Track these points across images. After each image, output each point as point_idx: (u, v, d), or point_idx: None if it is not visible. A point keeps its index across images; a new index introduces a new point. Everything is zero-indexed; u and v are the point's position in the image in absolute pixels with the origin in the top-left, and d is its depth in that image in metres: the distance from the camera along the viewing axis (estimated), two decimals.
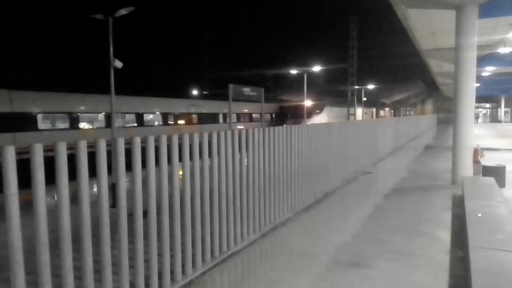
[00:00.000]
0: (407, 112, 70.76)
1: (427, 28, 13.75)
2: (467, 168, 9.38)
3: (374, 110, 52.31)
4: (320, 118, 30.42)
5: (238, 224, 5.07)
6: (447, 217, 6.51)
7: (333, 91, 43.52)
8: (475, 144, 9.85)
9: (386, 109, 63.08)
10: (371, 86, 43.65)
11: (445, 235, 5.57)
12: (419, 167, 12.63)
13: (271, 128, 5.93)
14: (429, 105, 69.02)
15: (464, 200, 6.54)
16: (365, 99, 44.81)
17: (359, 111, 44.34)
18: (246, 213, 5.23)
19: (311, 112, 30.44)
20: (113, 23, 9.42)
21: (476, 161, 9.52)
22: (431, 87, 55.95)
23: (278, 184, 6.07)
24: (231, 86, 16.70)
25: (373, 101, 52.92)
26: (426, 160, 14.57)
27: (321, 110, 32.22)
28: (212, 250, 4.57)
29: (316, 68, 30.00)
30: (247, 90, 18.53)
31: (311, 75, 31.94)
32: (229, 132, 4.92)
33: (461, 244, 5.07)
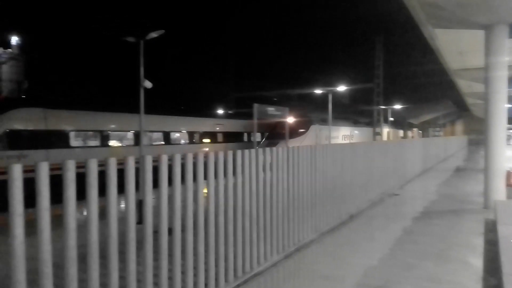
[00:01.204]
0: (436, 133, 69.05)
1: (455, 48, 13.53)
2: (500, 191, 9.00)
3: (401, 130, 50.74)
4: (304, 140, 23.78)
5: (262, 244, 5.03)
6: (479, 243, 6.23)
7: (358, 111, 41.71)
8: (508, 166, 9.46)
9: (414, 129, 61.75)
10: (398, 106, 42.96)
11: (477, 262, 5.33)
12: (449, 190, 12.22)
13: (296, 147, 5.93)
14: (459, 126, 67.15)
15: (497, 225, 6.26)
16: (392, 119, 43.64)
17: (385, 131, 41.91)
18: (270, 233, 5.19)
19: (290, 132, 21.64)
20: (144, 45, 9.81)
21: (509, 185, 9.13)
22: (461, 108, 54.47)
23: (302, 204, 6.01)
24: (256, 105, 16.91)
25: (400, 121, 51.87)
26: (456, 183, 14.08)
27: (305, 129, 25.17)
28: (235, 270, 4.55)
29: (341, 88, 29.58)
30: (271, 109, 18.71)
31: (336, 95, 30.81)
32: (253, 151, 4.96)
33: (494, 271, 4.83)
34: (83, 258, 2.95)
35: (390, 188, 11.27)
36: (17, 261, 2.52)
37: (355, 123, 35.21)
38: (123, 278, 3.23)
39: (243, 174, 4.74)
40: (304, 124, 25.38)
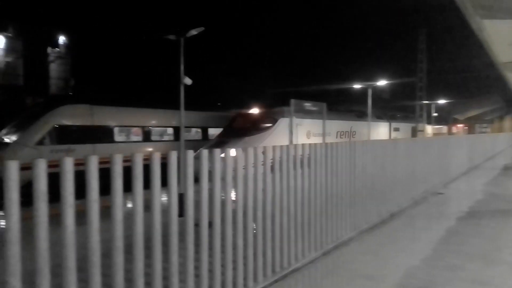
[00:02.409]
0: (482, 129, 65.56)
1: (505, 40, 12.74)
2: None
3: (445, 126, 48.17)
4: (267, 138, 17.17)
5: (299, 240, 5.01)
6: None
7: (399, 106, 39.59)
8: None
9: (459, 125, 58.97)
10: (442, 101, 41.11)
11: None
12: (497, 189, 11.57)
13: (335, 143, 5.84)
14: (508, 122, 63.32)
15: None
16: (435, 114, 41.66)
17: (428, 128, 39.25)
18: (308, 229, 5.16)
19: (248, 128, 17.60)
20: (184, 42, 10.02)
21: None
22: (509, 103, 51.31)
23: (341, 201, 5.92)
24: (292, 101, 16.80)
25: (445, 117, 49.56)
26: (505, 182, 13.31)
27: (271, 123, 18.20)
28: (273, 265, 4.56)
29: (382, 83, 28.64)
30: (308, 105, 18.53)
31: (376, 90, 29.45)
32: (291, 147, 4.94)
33: None
34: (128, 249, 3.07)
35: (434, 186, 10.85)
36: (68, 250, 2.67)
37: (379, 117, 28.58)
38: (166, 269, 3.33)
39: (281, 169, 4.73)
40: (269, 117, 18.38)
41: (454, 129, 51.49)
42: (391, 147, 7.78)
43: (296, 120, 17.72)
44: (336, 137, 22.26)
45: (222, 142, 16.20)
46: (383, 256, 5.43)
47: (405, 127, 32.50)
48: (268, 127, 18.08)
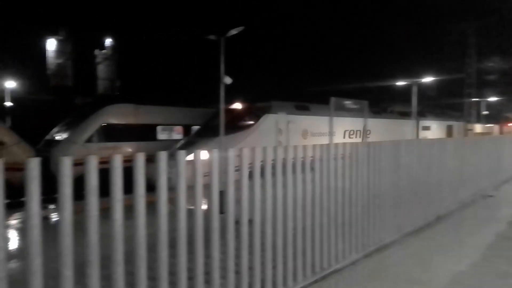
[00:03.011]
0: None
1: None
2: None
3: (496, 125, 45.16)
4: (248, 137, 14.61)
5: (340, 241, 4.92)
6: None
7: (445, 104, 37.46)
8: None
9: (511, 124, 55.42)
10: (492, 99, 38.83)
11: None
12: None
13: (378, 142, 5.68)
14: None
15: None
16: (486, 112, 39.24)
17: (477, 127, 36.51)
18: (349, 230, 5.06)
19: (227, 126, 14.32)
20: (225, 42, 10.15)
21: None
22: None
23: (384, 202, 5.75)
24: (332, 99, 16.48)
25: (495, 116, 46.72)
26: None
27: (253, 120, 15.37)
28: (313, 265, 4.52)
29: (428, 79, 27.42)
30: (349, 103, 18.08)
31: (421, 87, 28.04)
32: (332, 146, 4.86)
33: None
34: (172, 243, 3.15)
35: (484, 188, 10.27)
36: (117, 243, 2.78)
37: (404, 114, 24.95)
38: (207, 264, 3.39)
39: (322, 168, 4.67)
40: (251, 114, 15.65)
41: (505, 128, 48.36)
42: (438, 147, 7.45)
43: (287, 117, 15.64)
44: (344, 137, 18.70)
45: (191, 142, 13.97)
46: (428, 261, 5.21)
47: (438, 126, 27.96)
48: (249, 125, 15.10)
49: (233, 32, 10.06)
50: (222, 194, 3.63)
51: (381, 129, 20.79)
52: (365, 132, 19.60)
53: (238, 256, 3.67)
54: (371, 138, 19.57)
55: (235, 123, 15.02)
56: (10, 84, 28.22)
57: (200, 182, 3.29)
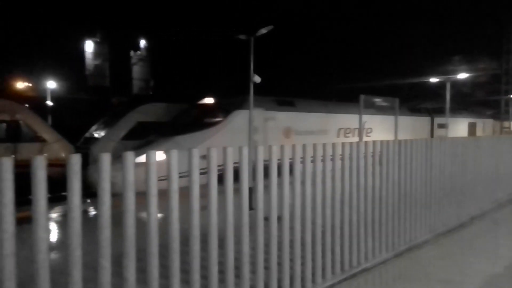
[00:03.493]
0: None
1: None
2: None
3: None
4: (213, 136, 12.64)
5: (370, 239, 4.90)
6: None
7: (478, 101, 35.38)
8: None
9: None
10: None
11: None
12: None
13: (409, 140, 5.59)
14: None
15: None
16: None
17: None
18: (379, 229, 5.02)
19: (192, 123, 13.49)
20: (254, 41, 10.22)
21: None
22: None
23: (415, 201, 5.65)
24: (362, 97, 16.15)
25: None
26: None
27: (220, 116, 13.51)
28: (341, 263, 4.52)
29: (462, 76, 26.33)
30: (379, 100, 17.60)
31: (455, 84, 26.70)
32: (361, 144, 4.84)
33: None
34: (204, 238, 3.27)
35: None
36: (152, 236, 2.93)
37: (416, 111, 22.43)
38: (237, 259, 3.49)
39: (351, 166, 4.66)
40: (218, 109, 13.85)
41: None
42: (473, 145, 7.21)
43: (265, 114, 13.43)
44: (338, 136, 16.48)
45: (150, 142, 12.51)
46: (461, 262, 5.09)
47: (457, 124, 24.85)
48: (216, 123, 13.13)
49: (263, 31, 10.12)
50: (251, 191, 3.71)
51: (385, 127, 17.93)
52: (364, 130, 16.71)
53: (267, 252, 3.75)
54: (372, 137, 16.93)
55: (201, 121, 13.48)
56: (51, 84, 29.69)
57: (153, 186, 2.89)
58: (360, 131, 14.20)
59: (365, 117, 16.46)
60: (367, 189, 4.87)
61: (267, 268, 3.74)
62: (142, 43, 42.56)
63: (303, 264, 4.07)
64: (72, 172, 2.55)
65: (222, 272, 3.38)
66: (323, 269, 4.28)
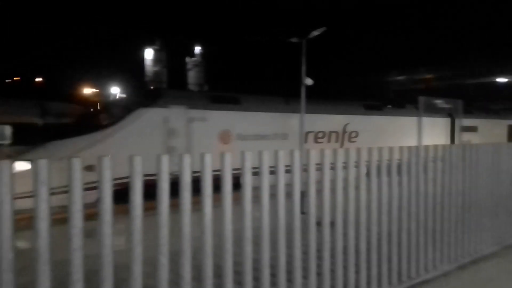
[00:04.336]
0: None
1: None
2: None
3: None
4: (104, 145, 9.53)
5: (430, 250, 4.64)
6: None
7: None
8: None
9: None
10: None
11: None
12: None
13: (475, 145, 5.23)
14: None
15: None
16: None
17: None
18: (440, 239, 4.74)
19: (80, 125, 11.59)
20: (306, 44, 10.17)
21: None
22: None
23: (481, 211, 5.26)
24: (421, 98, 15.33)
25: None
26: None
27: (116, 118, 10.49)
28: (399, 273, 4.32)
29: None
30: (440, 102, 16.54)
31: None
32: (422, 148, 4.61)
33: None
34: (256, 240, 3.28)
35: None
36: (206, 236, 2.99)
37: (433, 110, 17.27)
38: (289, 263, 3.46)
39: (410, 172, 4.45)
40: (117, 108, 11.65)
41: None
42: None
43: (189, 113, 10.88)
44: (306, 141, 12.42)
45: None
46: None
47: (491, 126, 19.77)
48: (108, 125, 10.35)
49: (315, 33, 10.03)
50: (303, 195, 3.67)
51: (379, 129, 14.91)
52: (345, 135, 14.41)
53: (319, 257, 3.68)
54: (360, 142, 14.08)
55: (90, 122, 11.00)
56: (115, 90, 31.66)
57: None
58: (419, 136, 12.99)
59: (348, 119, 14.53)
60: (428, 196, 4.62)
61: (319, 274, 3.67)
62: (197, 49, 44.08)
63: (357, 272, 3.95)
64: (135, 172, 2.67)
65: (273, 275, 3.37)
66: (379, 279, 4.12)
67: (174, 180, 2.84)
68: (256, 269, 3.28)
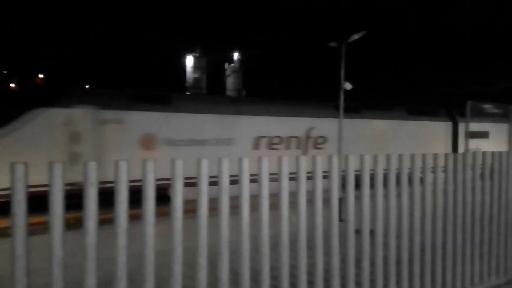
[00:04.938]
0: None
1: None
2: None
3: None
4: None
5: (477, 262, 4.40)
6: None
7: None
8: None
9: None
10: None
11: None
12: None
13: None
14: None
15: None
16: None
17: None
18: (488, 250, 4.48)
19: None
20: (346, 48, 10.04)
21: None
22: None
23: None
24: (469, 103, 14.64)
25: None
26: None
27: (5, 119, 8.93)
28: (443, 285, 4.13)
29: None
30: (488, 107, 15.71)
31: None
32: (469, 155, 4.39)
33: None
34: (292, 246, 3.26)
35: None
36: (244, 239, 3.02)
37: (423, 113, 15.64)
38: (327, 271, 3.41)
39: (455, 180, 4.25)
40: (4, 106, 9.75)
41: None
42: None
43: (97, 114, 9.55)
44: (255, 148, 11.59)
45: None
46: None
47: (503, 131, 16.68)
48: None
49: (355, 37, 9.88)
50: (341, 201, 3.61)
51: (357, 136, 13.04)
52: (311, 140, 12.62)
53: (358, 266, 3.59)
54: (329, 149, 12.25)
55: None
56: None
57: None
58: (466, 147, 12.06)
59: (314, 122, 12.77)
60: (475, 206, 4.39)
61: (358, 283, 3.58)
62: (235, 55, 44.80)
63: (398, 283, 3.82)
64: (176, 175, 2.74)
65: (311, 282, 3.33)
66: None
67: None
68: (293, 275, 3.25)
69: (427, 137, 14.94)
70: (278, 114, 12.37)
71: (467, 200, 4.33)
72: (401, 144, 13.67)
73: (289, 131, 12.48)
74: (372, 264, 3.66)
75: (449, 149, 15.61)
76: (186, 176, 2.73)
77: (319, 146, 12.98)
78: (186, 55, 39.98)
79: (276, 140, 12.29)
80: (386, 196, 3.80)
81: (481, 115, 13.98)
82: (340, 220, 3.53)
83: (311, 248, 3.32)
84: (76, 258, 2.48)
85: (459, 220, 4.25)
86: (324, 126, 12.89)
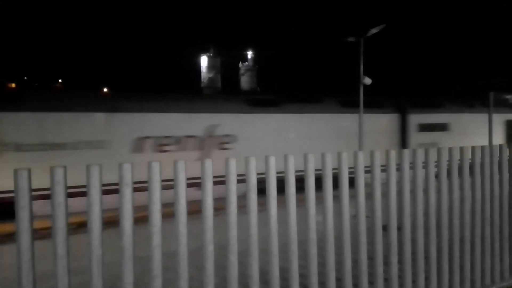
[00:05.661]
0: None
1: None
2: None
3: None
4: None
5: (506, 256, 4.32)
6: None
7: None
8: None
9: None
10: None
11: None
12: None
13: None
14: None
15: None
16: None
17: None
18: None
19: None
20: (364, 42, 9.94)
21: None
22: None
23: None
24: (491, 94, 14.26)
25: None
26: None
27: None
28: (472, 281, 4.07)
29: None
30: None
31: None
32: (496, 147, 4.31)
33: None
34: (320, 244, 3.27)
35: None
36: (272, 237, 3.04)
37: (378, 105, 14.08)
38: (355, 268, 3.41)
39: (483, 173, 4.18)
40: None
41: None
42: None
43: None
44: (135, 151, 10.01)
45: None
46: None
47: (475, 123, 15.53)
48: None
49: (374, 31, 9.76)
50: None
51: (275, 133, 11.86)
52: (214, 140, 11.05)
53: (386, 262, 3.58)
54: (238, 150, 11.03)
55: None
56: None
57: None
58: (490, 138, 12.11)
59: (218, 118, 11.13)
60: (503, 199, 4.31)
61: (386, 279, 3.57)
62: (249, 54, 44.88)
63: (427, 278, 3.78)
64: (206, 175, 2.78)
65: (339, 279, 3.34)
66: (450, 286, 3.91)
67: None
68: (321, 273, 3.26)
69: (365, 132, 12.25)
70: (167, 111, 10.66)
71: (495, 193, 4.25)
72: (327, 141, 12.33)
73: (184, 130, 10.79)
74: (400, 260, 3.63)
75: (394, 144, 14.11)
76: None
77: (226, 146, 11.38)
78: (201, 56, 40.27)
79: (166, 141, 10.57)
80: (413, 191, 3.77)
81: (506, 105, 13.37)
82: (366, 216, 3.52)
83: (338, 246, 3.32)
84: (108, 257, 2.53)
85: (488, 214, 4.17)
86: (232, 123, 11.44)
